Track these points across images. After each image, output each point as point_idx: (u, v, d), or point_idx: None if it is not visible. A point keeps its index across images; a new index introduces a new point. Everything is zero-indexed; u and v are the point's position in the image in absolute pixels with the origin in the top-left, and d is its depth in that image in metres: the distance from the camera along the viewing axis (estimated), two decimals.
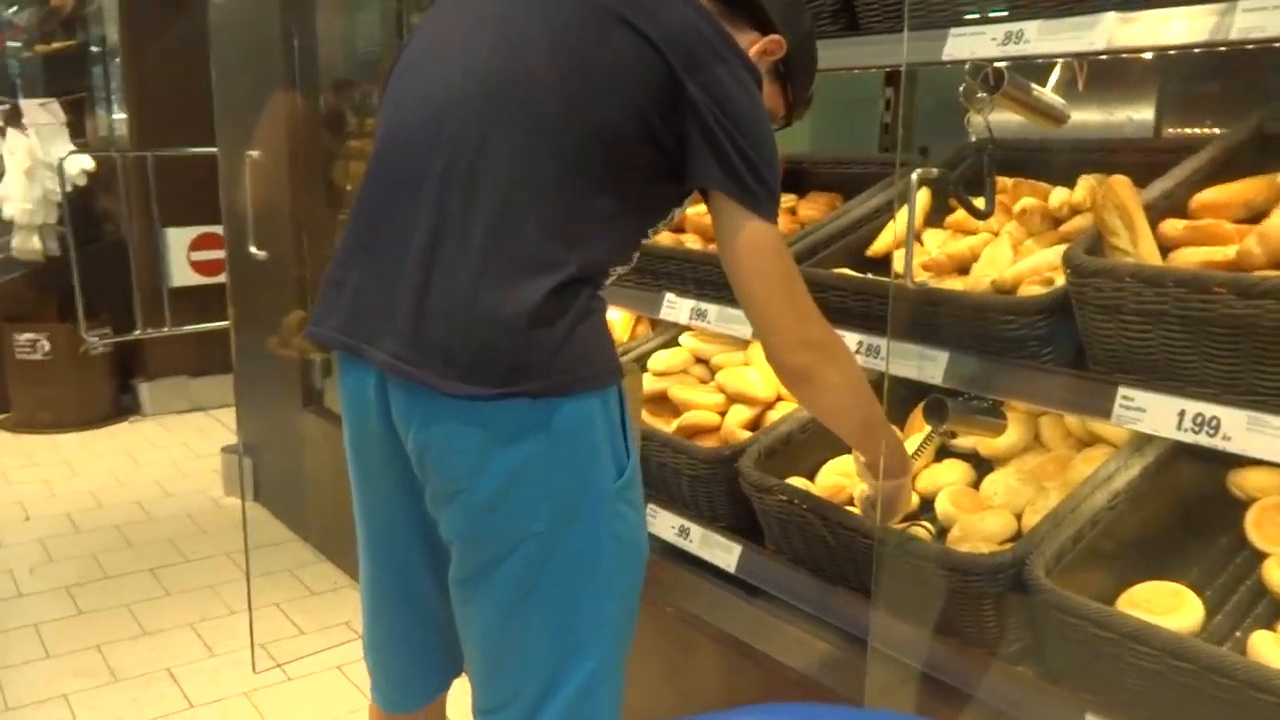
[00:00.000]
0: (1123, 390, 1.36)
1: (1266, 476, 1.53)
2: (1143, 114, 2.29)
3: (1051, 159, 1.96)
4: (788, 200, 2.32)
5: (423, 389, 1.19)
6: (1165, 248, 1.46)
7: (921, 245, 1.95)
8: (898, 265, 1.91)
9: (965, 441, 1.90)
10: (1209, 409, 1.27)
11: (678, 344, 2.29)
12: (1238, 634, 1.37)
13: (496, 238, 1.17)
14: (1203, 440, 1.28)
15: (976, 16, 1.60)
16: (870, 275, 1.82)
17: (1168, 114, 2.26)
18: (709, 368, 2.23)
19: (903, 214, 1.98)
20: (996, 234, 1.83)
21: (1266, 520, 1.49)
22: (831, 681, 1.60)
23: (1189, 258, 1.42)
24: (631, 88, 1.19)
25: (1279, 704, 1.13)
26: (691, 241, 2.19)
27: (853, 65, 1.90)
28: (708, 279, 1.96)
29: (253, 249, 2.99)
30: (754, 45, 1.33)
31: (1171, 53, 1.67)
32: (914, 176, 1.56)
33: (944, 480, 1.76)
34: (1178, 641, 1.21)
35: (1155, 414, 1.32)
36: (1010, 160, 1.98)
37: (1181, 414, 1.30)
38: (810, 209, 2.24)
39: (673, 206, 1.32)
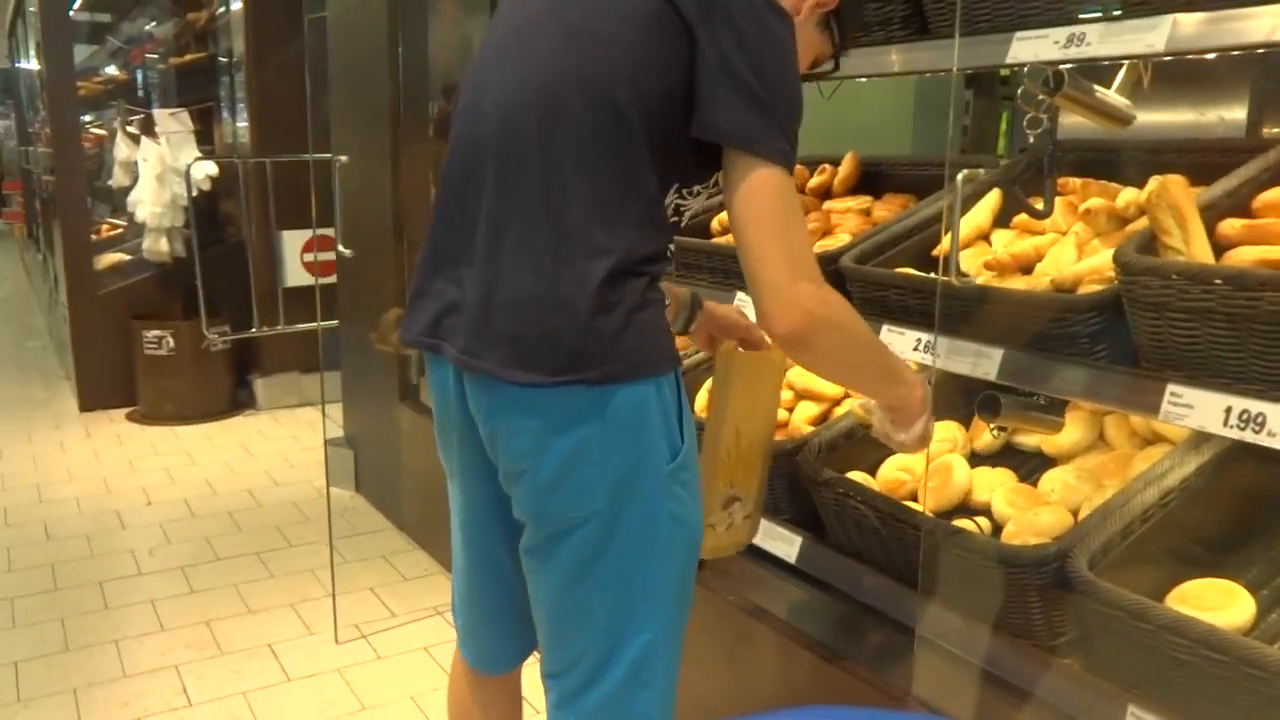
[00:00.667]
0: (1171, 387, 1.36)
1: None
2: (1235, 113, 2.25)
3: (1129, 160, 1.95)
4: (863, 202, 2.35)
5: (489, 379, 1.27)
6: (1223, 246, 1.46)
7: (989, 245, 1.96)
8: (965, 264, 1.94)
9: (1030, 440, 1.91)
10: (1255, 405, 1.27)
11: None
12: None
13: (549, 229, 1.22)
14: (1248, 436, 1.28)
15: (1039, 20, 1.62)
16: (932, 274, 1.85)
17: (1264, 113, 2.21)
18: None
19: (970, 214, 2.01)
20: (1065, 234, 1.84)
21: None
22: (884, 671, 1.63)
23: (1244, 256, 1.41)
24: (657, 51, 1.20)
25: None
26: None
27: (923, 69, 1.93)
28: None
29: (340, 248, 3.15)
30: (806, 2, 1.33)
31: (1259, 51, 1.65)
32: (959, 177, 1.58)
33: (989, 484, 1.77)
34: (1212, 633, 1.22)
35: (1202, 410, 1.33)
36: (1087, 161, 1.99)
37: (1228, 410, 1.30)
38: (884, 210, 2.27)
39: (678, 180, 1.31)
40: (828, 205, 2.38)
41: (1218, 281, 1.28)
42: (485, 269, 1.27)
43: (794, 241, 1.21)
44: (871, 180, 2.43)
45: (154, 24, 6.86)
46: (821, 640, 1.74)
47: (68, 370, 5.36)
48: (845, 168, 2.42)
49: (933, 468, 1.83)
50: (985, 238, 1.99)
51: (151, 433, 4.60)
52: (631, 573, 1.29)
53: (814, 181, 2.47)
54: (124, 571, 3.09)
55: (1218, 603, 1.38)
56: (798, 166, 2.51)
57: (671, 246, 1.33)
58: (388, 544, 3.31)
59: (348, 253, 3.19)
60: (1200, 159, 1.78)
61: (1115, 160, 1.96)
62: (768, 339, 1.68)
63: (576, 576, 1.30)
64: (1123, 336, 1.46)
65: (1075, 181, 1.87)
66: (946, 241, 1.99)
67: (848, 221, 2.26)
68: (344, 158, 3.12)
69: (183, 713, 2.31)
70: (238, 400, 4.97)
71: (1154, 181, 1.74)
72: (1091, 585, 1.34)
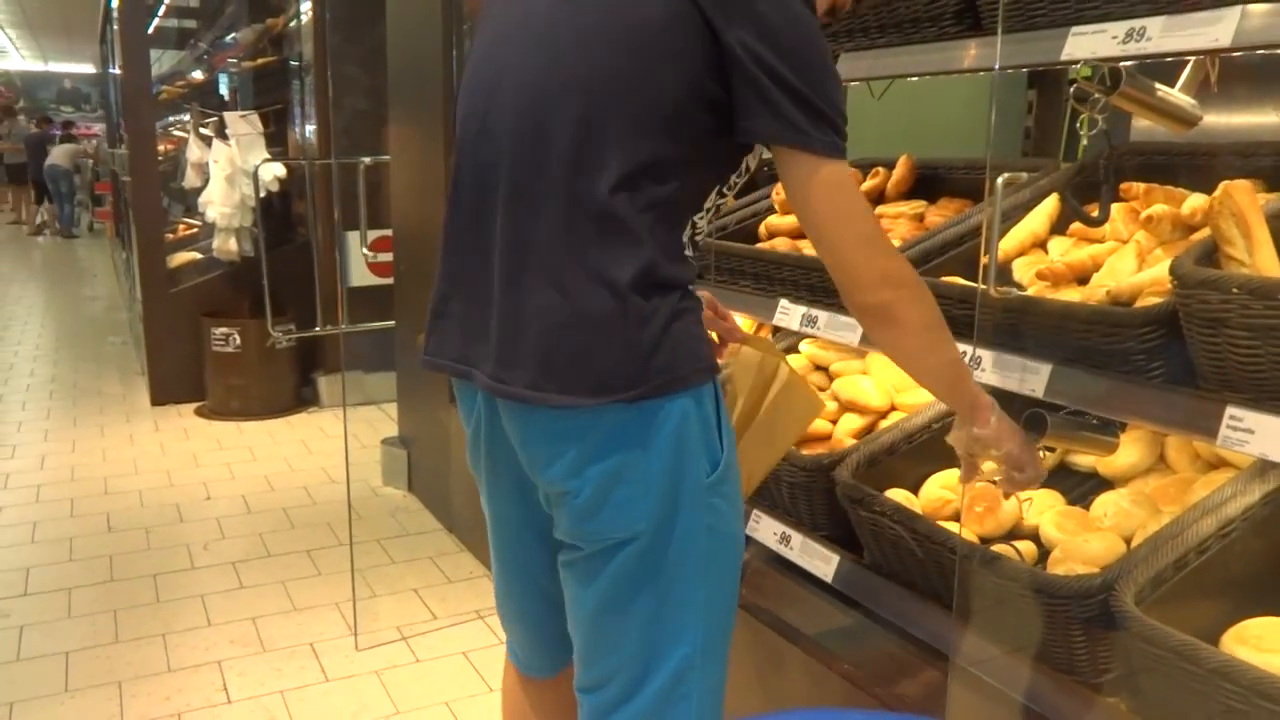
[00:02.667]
0: (1230, 410, 1.26)
1: None
2: None
3: (1200, 164, 1.83)
4: (916, 206, 2.26)
5: (521, 405, 1.22)
6: None
7: (1045, 253, 1.86)
8: (1018, 274, 1.85)
9: (1085, 460, 1.81)
10: None
11: (797, 351, 2.27)
12: None
13: (571, 245, 1.17)
14: None
15: (1098, 13, 1.52)
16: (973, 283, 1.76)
17: None
18: (828, 375, 2.21)
19: (1026, 220, 1.91)
20: (1126, 242, 1.73)
21: None
22: (916, 698, 1.55)
23: None
24: (677, 49, 1.14)
25: None
26: (808, 248, 2.17)
27: (976, 67, 1.84)
28: (819, 285, 1.94)
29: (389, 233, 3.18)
30: None
31: None
32: (999, 181, 1.50)
33: (1039, 506, 1.68)
34: (1266, 680, 1.12)
35: (1264, 436, 1.22)
36: (1155, 165, 1.87)
37: None
38: (938, 215, 2.18)
39: (717, 184, 1.26)
40: (880, 209, 2.30)
41: None
42: (507, 290, 1.22)
43: (870, 226, 1.21)
44: (927, 184, 2.33)
45: (236, 30, 7.01)
46: (854, 664, 1.66)
47: (142, 365, 5.49)
48: (899, 171, 2.33)
49: (980, 489, 1.74)
50: (1042, 245, 1.89)
51: (217, 427, 4.69)
52: (670, 588, 1.24)
53: (866, 185, 2.38)
54: (178, 565, 3.14)
55: (1272, 640, 1.28)
56: (851, 169, 2.44)
57: (696, 246, 1.28)
58: (436, 545, 3.30)
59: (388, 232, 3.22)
60: (1277, 163, 1.67)
61: (1185, 164, 1.84)
62: (739, 327, 1.62)
63: (616, 595, 1.25)
64: (1181, 354, 1.36)
65: (1139, 187, 1.77)
66: (1005, 245, 1.91)
67: (899, 227, 2.17)
68: (383, 158, 3.12)
69: (221, 709, 2.32)
70: (301, 397, 5.04)
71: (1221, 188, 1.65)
72: (1138, 622, 1.24)
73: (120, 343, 6.72)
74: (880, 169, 2.40)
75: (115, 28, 6.97)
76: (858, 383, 2.06)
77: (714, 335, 1.59)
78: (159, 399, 5.04)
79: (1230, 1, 1.33)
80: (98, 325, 7.52)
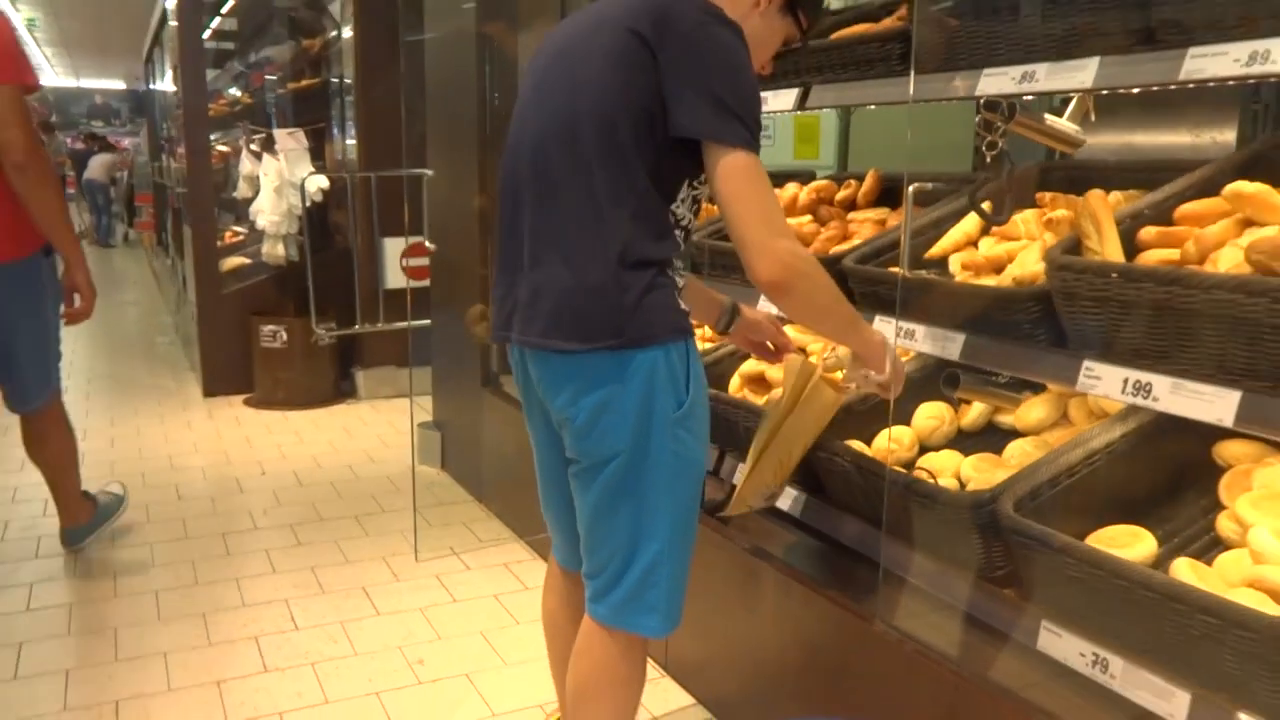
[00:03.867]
0: (1085, 363, 1.67)
1: (1244, 447, 1.79)
2: (1226, 135, 2.51)
3: (1113, 176, 2.23)
4: (881, 213, 2.68)
5: (539, 352, 1.66)
6: (1140, 249, 1.76)
7: (976, 249, 2.27)
8: (952, 266, 2.26)
9: (1007, 419, 2.21)
10: (1145, 376, 1.57)
11: None
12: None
13: (575, 235, 1.59)
14: (1139, 401, 1.58)
15: (1002, 59, 1.93)
16: (924, 273, 2.17)
17: (1247, 134, 2.46)
18: (806, 353, 2.62)
19: (961, 223, 2.32)
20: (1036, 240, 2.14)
21: (1236, 484, 1.74)
22: (859, 600, 1.96)
23: (1150, 257, 1.71)
24: (629, 76, 1.52)
25: (1174, 607, 1.43)
26: None
27: (910, 99, 2.25)
28: None
29: (427, 243, 3.63)
30: None
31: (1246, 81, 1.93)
32: (910, 190, 1.91)
33: (943, 465, 2.08)
34: (1097, 554, 1.53)
35: (1107, 381, 1.63)
36: (1074, 178, 2.28)
37: (1125, 381, 1.60)
38: (896, 219, 2.59)
39: (685, 180, 1.61)
40: (851, 215, 2.72)
41: (1114, 275, 1.59)
42: (531, 269, 1.66)
43: (767, 208, 1.51)
44: (893, 195, 2.75)
45: (272, 49, 7.50)
46: (811, 575, 2.07)
47: (193, 362, 5.95)
48: (867, 183, 2.75)
49: (910, 442, 2.17)
50: (974, 243, 2.30)
51: (265, 416, 5.13)
52: (645, 497, 1.65)
53: (840, 195, 2.80)
54: (242, 526, 3.58)
55: (1126, 542, 1.67)
56: (826, 181, 2.87)
57: (681, 238, 1.69)
58: (467, 513, 3.73)
59: (432, 247, 3.66)
60: (1155, 176, 2.06)
61: (1103, 178, 2.24)
62: (790, 340, 2.06)
63: (606, 498, 1.67)
64: (1056, 323, 1.77)
65: (1047, 195, 2.18)
66: (939, 246, 2.33)
67: (863, 230, 2.59)
68: (430, 172, 3.56)
69: (291, 634, 2.75)
70: (341, 390, 5.48)
71: (1115, 195, 2.06)
72: (1011, 520, 1.65)
73: (168, 342, 7.20)
74: (853, 181, 2.83)
75: (166, 49, 7.47)
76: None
77: (770, 345, 2.06)
78: (210, 391, 5.50)
79: (1092, 54, 1.74)
80: (144, 327, 8.00)
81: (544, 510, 1.92)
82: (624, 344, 1.58)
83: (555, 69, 1.67)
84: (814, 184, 2.85)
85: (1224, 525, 1.67)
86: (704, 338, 2.87)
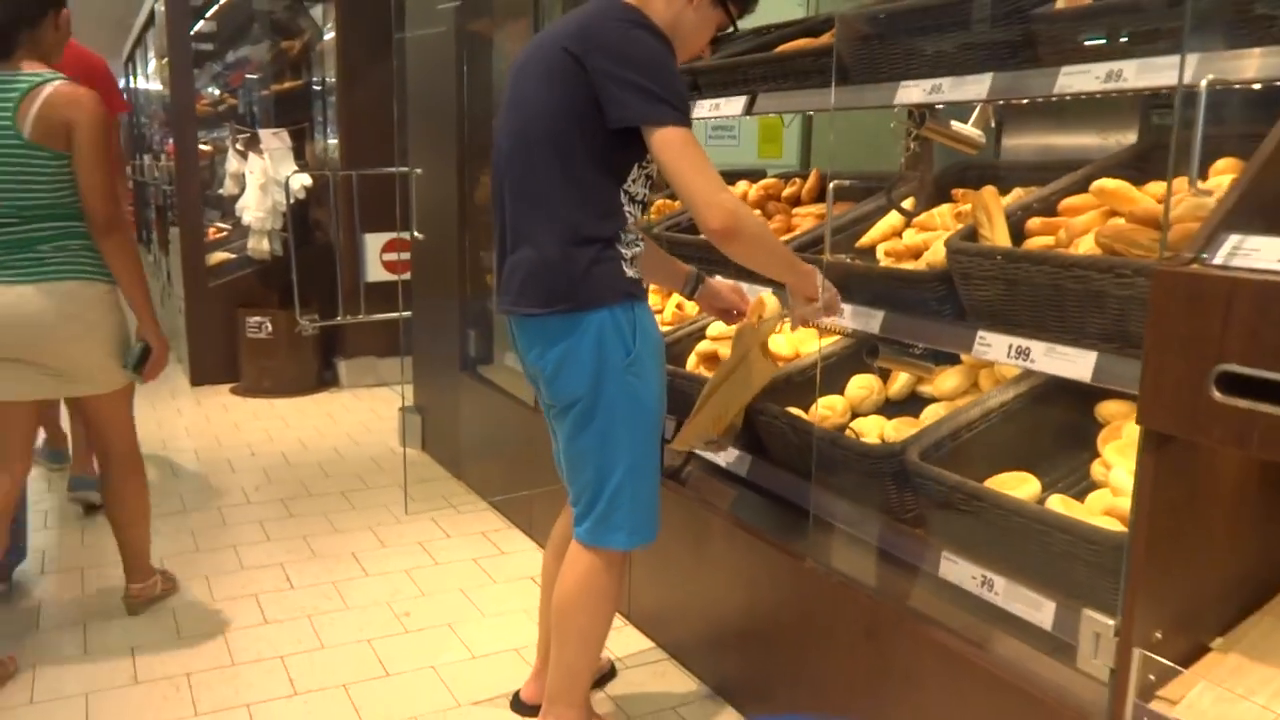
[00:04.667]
0: (979, 333, 1.97)
1: (1119, 405, 2.08)
2: (1129, 137, 2.81)
3: (1026, 175, 2.53)
4: (821, 208, 2.97)
5: (515, 316, 1.98)
6: (1027, 236, 2.06)
7: (901, 239, 2.57)
8: (879, 253, 2.55)
9: (928, 389, 2.51)
10: (1024, 342, 1.87)
11: None
12: None
13: (540, 219, 1.91)
14: (1020, 363, 1.88)
15: (916, 74, 2.23)
16: (848, 258, 2.46)
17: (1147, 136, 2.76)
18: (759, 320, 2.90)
19: (888, 216, 2.62)
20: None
21: (1110, 436, 2.05)
22: (793, 542, 2.25)
23: (1034, 243, 2.01)
24: (566, 87, 1.83)
25: (1039, 529, 1.72)
26: None
27: (838, 107, 2.53)
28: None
29: (416, 234, 3.90)
30: None
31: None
32: (830, 186, 2.21)
33: (869, 428, 2.37)
34: (979, 489, 1.82)
35: (996, 348, 1.93)
36: (987, 176, 2.58)
37: (1010, 346, 1.90)
38: (838, 211, 2.88)
39: (634, 163, 1.90)
40: (796, 210, 3.01)
41: (997, 257, 1.89)
42: (512, 252, 1.99)
43: (704, 170, 1.78)
44: (835, 191, 3.04)
45: (249, 49, 7.71)
46: (753, 524, 2.37)
47: (180, 353, 6.17)
48: (810, 181, 3.04)
49: (843, 409, 2.46)
50: (899, 234, 2.60)
51: (252, 403, 5.37)
52: (607, 432, 1.97)
53: (786, 191, 3.10)
54: (237, 500, 3.83)
55: (1013, 485, 1.97)
56: (774, 179, 3.16)
57: (636, 211, 1.98)
58: (446, 489, 4.00)
59: (420, 236, 3.94)
60: (1061, 174, 2.36)
61: (1013, 176, 2.54)
62: (750, 302, 2.34)
63: (575, 436, 2.00)
64: (957, 299, 2.06)
65: (960, 191, 2.48)
66: (869, 236, 2.62)
67: (805, 223, 2.88)
68: (419, 170, 3.82)
69: (287, 592, 3.02)
70: (324, 379, 5.73)
71: (1016, 191, 2.36)
72: (916, 466, 1.95)
73: None
74: (798, 179, 3.12)
75: (150, 49, 7.67)
76: (776, 340, 2.76)
77: (734, 311, 2.40)
78: (197, 380, 5.73)
79: (985, 70, 2.04)
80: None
81: (555, 458, 2.21)
82: (575, 307, 1.91)
83: (518, 84, 1.98)
84: (763, 181, 3.15)
85: (1096, 470, 1.97)
86: (664, 321, 3.15)
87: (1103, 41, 1.85)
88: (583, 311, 1.90)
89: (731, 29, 2.08)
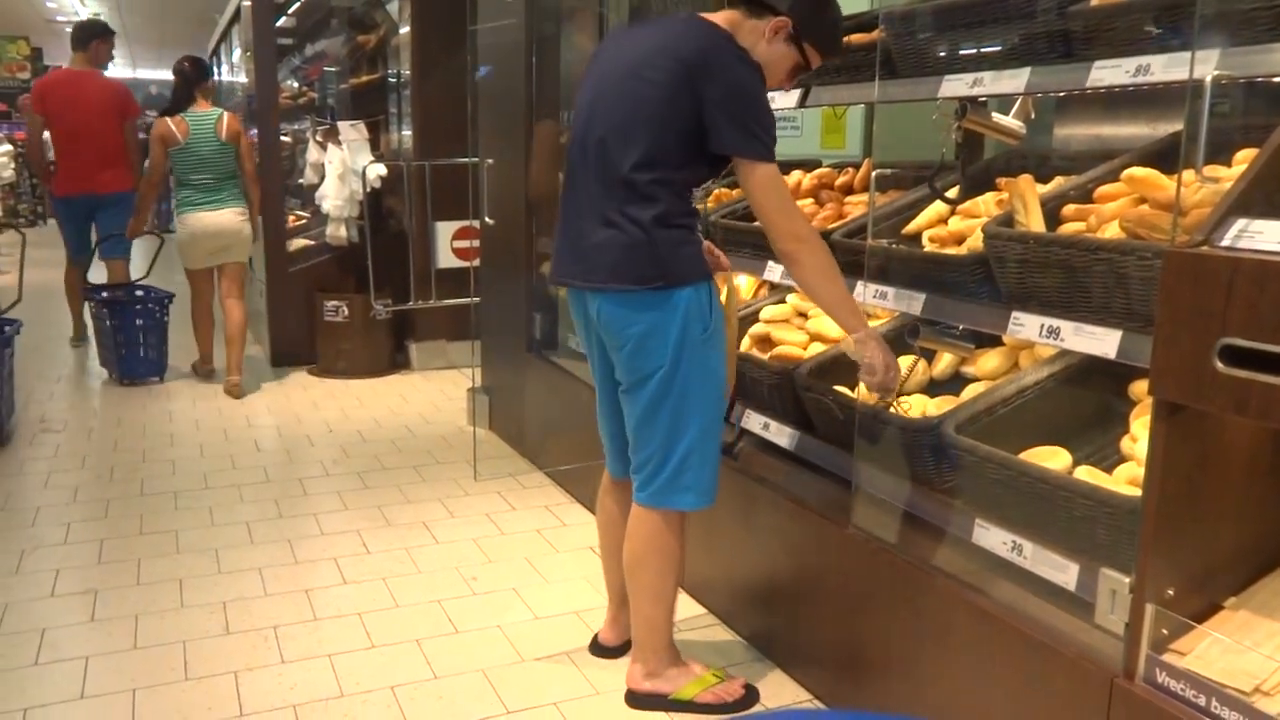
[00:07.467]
0: (1014, 314, 2.08)
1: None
2: (1178, 127, 2.87)
3: (1072, 163, 2.61)
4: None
5: (599, 292, 2.16)
6: (1061, 222, 2.16)
7: (946, 225, 2.67)
8: (925, 238, 2.66)
9: (970, 369, 2.61)
10: (1055, 322, 1.98)
11: (784, 301, 3.10)
12: None
13: (626, 204, 2.09)
14: (1051, 342, 1.98)
15: (958, 68, 2.33)
16: (889, 243, 2.57)
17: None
18: (806, 318, 3.03)
19: (936, 203, 2.72)
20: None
21: (1142, 412, 2.14)
22: (838, 512, 2.38)
23: (1067, 229, 2.11)
24: (678, 101, 2.04)
25: (1071, 496, 1.84)
26: None
27: (886, 99, 2.65)
28: None
29: (487, 219, 4.08)
30: (768, 28, 2.13)
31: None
32: (873, 175, 2.33)
33: (914, 405, 2.48)
34: (1008, 458, 1.94)
35: (1029, 327, 2.04)
36: (1030, 165, 2.67)
37: (1041, 326, 2.01)
38: (884, 200, 2.99)
39: (715, 175, 2.19)
40: (848, 199, 3.13)
41: (1030, 242, 1.99)
42: (592, 229, 2.15)
43: (785, 204, 2.10)
44: (883, 180, 3.15)
45: (325, 43, 8.00)
46: (800, 496, 2.50)
47: (259, 335, 6.47)
48: (863, 170, 3.15)
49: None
50: (944, 220, 2.70)
51: (328, 384, 5.63)
52: (680, 402, 2.16)
53: (840, 180, 3.21)
54: (316, 473, 4.07)
55: (1045, 458, 2.08)
56: (828, 169, 3.28)
57: (699, 211, 2.15)
58: (512, 465, 4.19)
59: (490, 222, 4.14)
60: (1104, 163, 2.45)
61: (1058, 166, 2.63)
62: (724, 262, 2.49)
63: (651, 406, 2.18)
64: (994, 283, 2.17)
65: (1004, 180, 2.58)
66: (915, 224, 2.73)
67: (857, 211, 2.99)
68: (490, 161, 4.00)
69: (364, 557, 3.23)
70: (396, 361, 5.97)
71: (1057, 180, 2.45)
72: (954, 439, 2.07)
73: None
74: (850, 169, 3.23)
75: (236, 43, 7.99)
76: (823, 321, 2.89)
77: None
78: (277, 361, 6.01)
79: (1021, 65, 2.14)
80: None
81: (600, 426, 2.40)
82: (664, 285, 2.10)
83: (620, 79, 2.13)
84: (817, 171, 3.27)
85: (1125, 444, 2.07)
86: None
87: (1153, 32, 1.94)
88: (674, 288, 2.10)
89: (809, 69, 2.24)
